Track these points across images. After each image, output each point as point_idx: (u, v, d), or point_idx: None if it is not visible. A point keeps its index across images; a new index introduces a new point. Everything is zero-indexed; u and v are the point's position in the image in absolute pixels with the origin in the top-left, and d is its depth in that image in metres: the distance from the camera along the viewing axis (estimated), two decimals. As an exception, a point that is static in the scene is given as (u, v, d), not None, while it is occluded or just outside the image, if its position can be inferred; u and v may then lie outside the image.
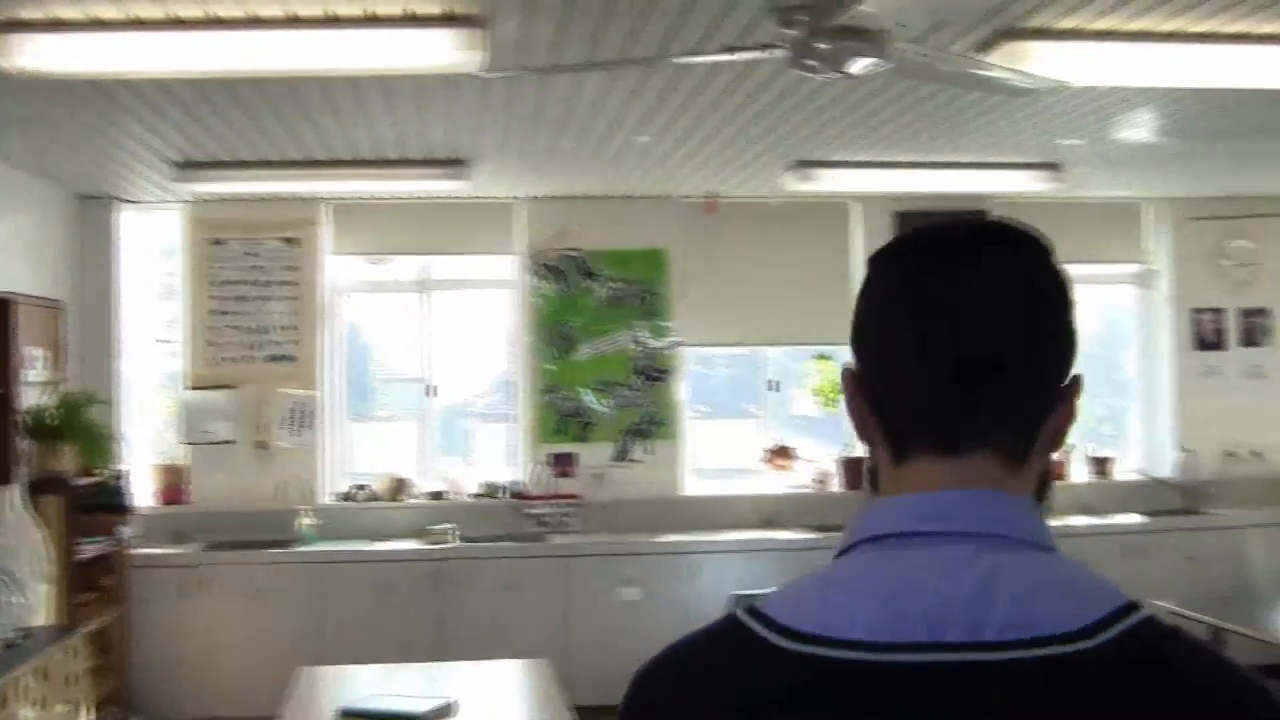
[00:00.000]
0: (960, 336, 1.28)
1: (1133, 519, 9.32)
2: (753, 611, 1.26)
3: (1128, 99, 6.50)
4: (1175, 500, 9.73)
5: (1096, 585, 1.21)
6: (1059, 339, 1.31)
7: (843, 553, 1.29)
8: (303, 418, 9.17)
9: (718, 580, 8.44)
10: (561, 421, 9.40)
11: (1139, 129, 7.25)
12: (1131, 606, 1.20)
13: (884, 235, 9.57)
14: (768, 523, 9.29)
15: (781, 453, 9.72)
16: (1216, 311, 10.19)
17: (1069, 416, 1.32)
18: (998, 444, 1.28)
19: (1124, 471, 9.94)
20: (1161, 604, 6.51)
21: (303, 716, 5.04)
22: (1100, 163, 8.24)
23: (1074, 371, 1.32)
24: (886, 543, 1.25)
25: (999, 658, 1.15)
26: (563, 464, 9.34)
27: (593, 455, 9.38)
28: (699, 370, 10.01)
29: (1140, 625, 1.18)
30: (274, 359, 9.18)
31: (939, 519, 1.24)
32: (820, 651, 1.18)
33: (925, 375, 1.29)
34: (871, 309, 1.36)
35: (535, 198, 9.35)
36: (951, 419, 1.28)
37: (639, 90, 6.24)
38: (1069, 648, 1.15)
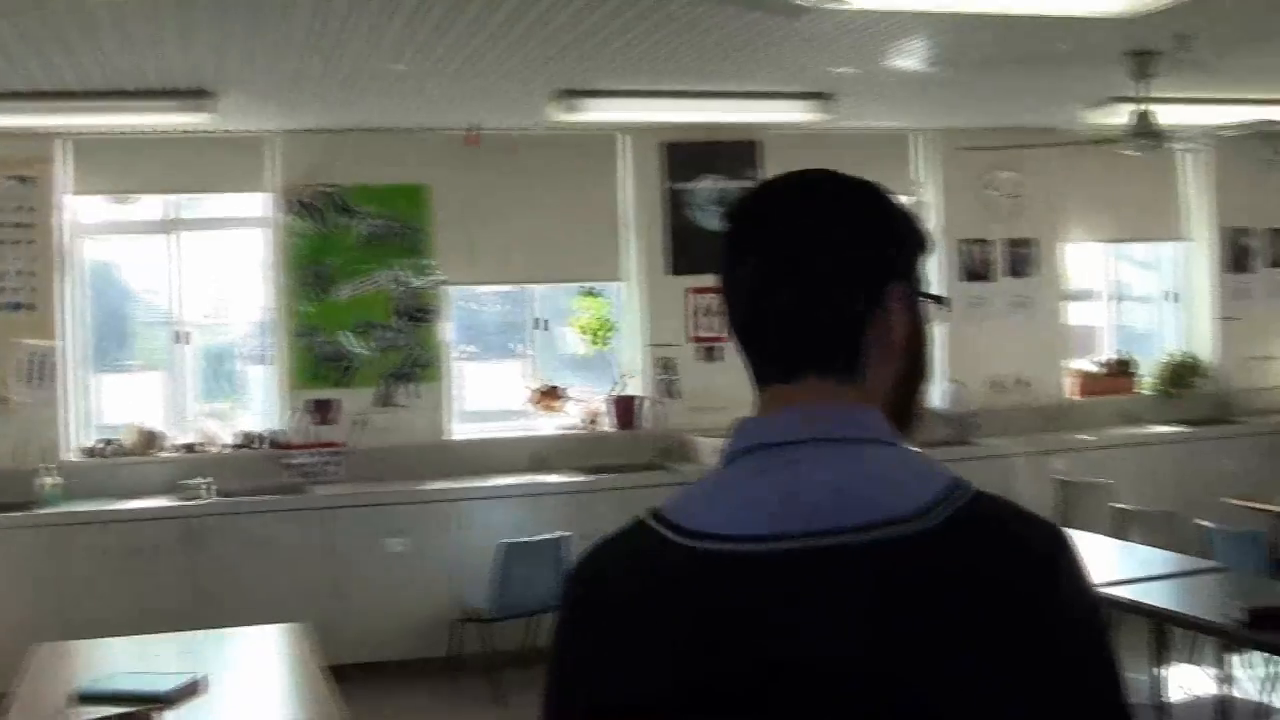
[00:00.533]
0: (761, 281, 1.49)
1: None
2: (655, 514, 1.46)
3: (900, 25, 6.32)
4: (944, 431, 9.75)
5: (929, 468, 1.42)
6: (848, 267, 1.48)
7: (724, 463, 1.48)
8: (42, 369, 8.58)
9: (488, 527, 8.16)
10: (320, 366, 8.98)
11: (910, 57, 7.11)
12: (958, 484, 1.40)
13: (652, 168, 9.45)
14: (538, 466, 9.02)
15: (550, 393, 9.46)
16: (984, 242, 10.25)
17: (889, 328, 1.49)
18: (821, 366, 1.48)
19: (895, 403, 9.91)
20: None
21: (35, 700, 4.61)
22: (871, 93, 8.12)
23: (892, 285, 1.50)
24: (754, 453, 1.45)
25: (859, 539, 1.34)
26: (323, 410, 8.93)
27: (354, 401, 8.99)
28: (464, 309, 9.68)
29: (972, 500, 1.39)
30: (9, 307, 8.56)
31: (788, 432, 1.44)
32: (707, 545, 1.39)
33: (749, 318, 1.52)
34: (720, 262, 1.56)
35: (288, 131, 8.86)
36: (775, 352, 1.50)
37: (390, 11, 5.82)
38: (917, 526, 1.34)
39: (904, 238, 1.55)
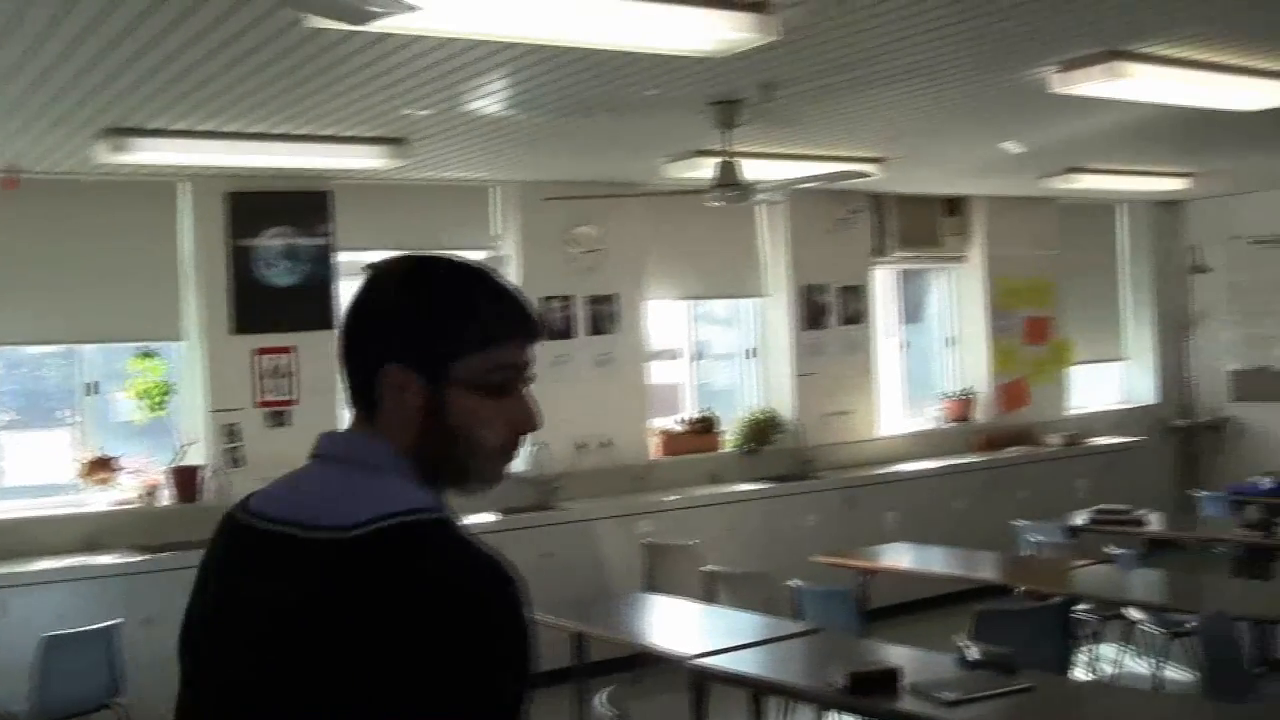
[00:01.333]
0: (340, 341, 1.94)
1: (486, 518, 8.84)
2: (245, 501, 1.95)
3: (479, 60, 5.90)
4: (528, 496, 9.42)
5: (393, 495, 1.78)
6: (361, 342, 1.89)
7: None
8: None
9: (31, 616, 7.29)
10: None
11: (489, 98, 6.73)
12: (406, 510, 1.75)
13: (216, 218, 8.74)
14: (90, 546, 8.19)
15: (102, 464, 8.62)
16: (565, 299, 10.00)
17: (397, 398, 1.84)
18: (355, 406, 1.89)
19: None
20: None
21: None
22: (448, 139, 7.73)
23: (391, 365, 1.85)
24: (310, 460, 1.91)
25: (305, 535, 1.78)
26: None
27: None
28: (4, 372, 8.78)
29: (401, 524, 1.73)
30: None
31: (322, 448, 1.90)
32: (253, 523, 1.88)
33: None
34: None
35: None
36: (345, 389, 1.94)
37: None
38: (341, 535, 1.73)
39: (426, 335, 1.83)
